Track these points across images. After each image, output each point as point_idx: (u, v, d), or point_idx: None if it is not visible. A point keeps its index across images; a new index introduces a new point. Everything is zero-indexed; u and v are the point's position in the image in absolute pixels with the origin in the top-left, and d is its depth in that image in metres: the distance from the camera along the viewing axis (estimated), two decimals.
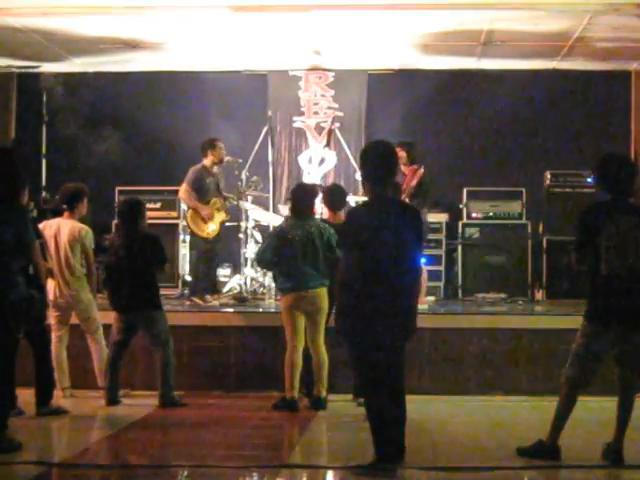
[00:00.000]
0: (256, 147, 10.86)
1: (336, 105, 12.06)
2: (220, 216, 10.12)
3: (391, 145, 5.95)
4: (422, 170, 9.35)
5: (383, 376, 5.55)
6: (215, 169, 10.21)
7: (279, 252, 7.66)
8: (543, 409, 6.68)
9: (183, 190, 10.04)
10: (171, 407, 7.69)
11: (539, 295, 10.90)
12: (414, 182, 9.33)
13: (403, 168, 9.49)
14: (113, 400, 7.78)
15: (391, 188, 5.90)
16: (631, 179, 5.87)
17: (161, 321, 7.88)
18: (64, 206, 8.11)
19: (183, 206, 10.89)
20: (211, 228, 10.00)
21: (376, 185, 5.72)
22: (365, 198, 6.33)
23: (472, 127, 11.76)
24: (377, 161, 5.74)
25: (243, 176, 10.45)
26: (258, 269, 10.32)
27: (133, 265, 7.77)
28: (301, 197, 7.82)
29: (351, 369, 5.83)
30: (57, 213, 8.21)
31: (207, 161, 10.12)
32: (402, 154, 9.38)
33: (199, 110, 11.85)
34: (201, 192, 9.99)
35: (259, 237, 10.47)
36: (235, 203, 10.32)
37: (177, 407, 7.71)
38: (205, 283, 10.12)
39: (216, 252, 10.20)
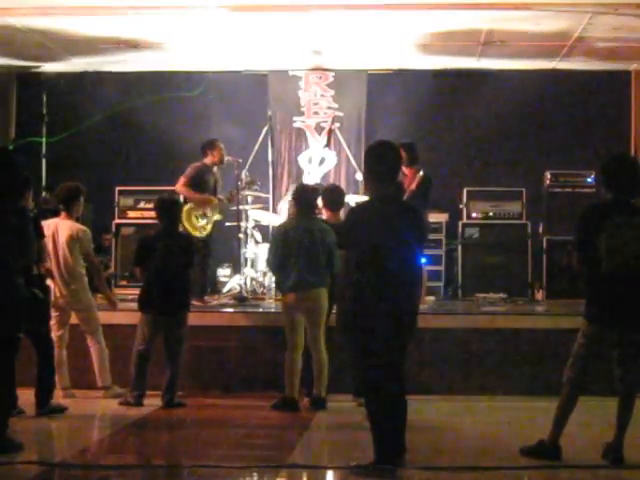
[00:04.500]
0: (256, 147, 10.87)
1: (336, 105, 12.05)
2: (214, 216, 10.09)
3: (395, 145, 5.96)
4: (422, 173, 9.34)
5: (384, 376, 5.55)
6: (214, 169, 10.20)
7: (281, 252, 7.67)
8: (543, 409, 6.67)
9: (180, 184, 9.94)
10: (171, 407, 7.69)
11: (539, 295, 10.90)
12: (414, 185, 9.32)
13: (404, 169, 9.48)
14: (139, 402, 7.74)
15: (393, 188, 5.89)
16: (636, 181, 5.87)
17: (187, 323, 7.95)
18: (60, 206, 8.11)
19: None
20: (204, 226, 9.94)
21: (378, 184, 5.72)
22: (365, 198, 6.32)
23: (472, 127, 11.74)
24: (380, 160, 5.73)
25: (243, 176, 10.45)
26: (258, 269, 10.33)
27: (178, 267, 7.82)
28: (303, 197, 7.82)
29: (352, 368, 5.82)
30: (57, 213, 8.21)
31: (207, 160, 10.11)
32: (402, 154, 9.37)
33: (199, 110, 11.84)
34: (201, 188, 9.95)
35: (259, 237, 10.48)
36: (228, 203, 10.28)
37: (177, 407, 7.71)
38: (203, 284, 10.07)
39: (210, 252, 10.15)
